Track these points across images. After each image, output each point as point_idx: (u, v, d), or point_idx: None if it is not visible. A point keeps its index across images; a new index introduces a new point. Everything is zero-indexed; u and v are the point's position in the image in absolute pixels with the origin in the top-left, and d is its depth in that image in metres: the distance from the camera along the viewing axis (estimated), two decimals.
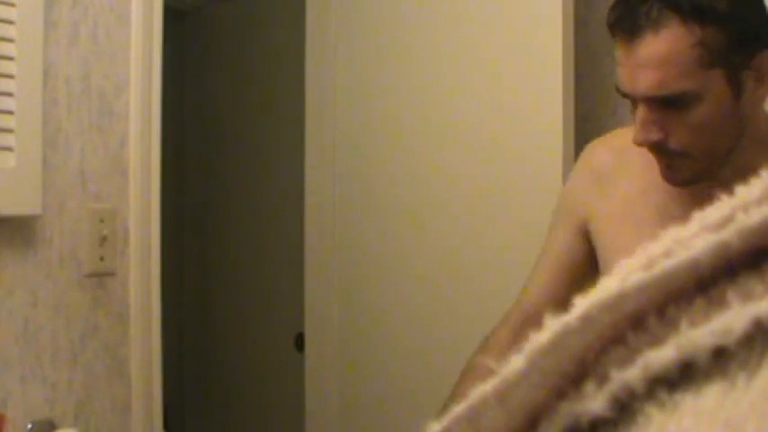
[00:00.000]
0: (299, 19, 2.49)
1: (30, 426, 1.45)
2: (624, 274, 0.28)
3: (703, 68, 1.04)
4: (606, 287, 0.27)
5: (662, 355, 0.25)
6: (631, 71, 1.07)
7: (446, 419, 0.28)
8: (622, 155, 1.27)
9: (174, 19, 2.92)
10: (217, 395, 3.16)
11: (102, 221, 1.64)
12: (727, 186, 1.08)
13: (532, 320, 1.34)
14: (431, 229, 2.18)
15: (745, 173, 1.14)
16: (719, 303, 0.25)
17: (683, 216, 1.09)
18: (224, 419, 3.10)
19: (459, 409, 0.27)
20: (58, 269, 1.57)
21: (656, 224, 1.19)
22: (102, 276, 1.64)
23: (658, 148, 1.11)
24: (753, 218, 0.26)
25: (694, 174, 1.13)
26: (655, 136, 1.09)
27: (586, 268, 1.30)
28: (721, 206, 0.28)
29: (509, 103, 2.03)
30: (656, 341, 0.25)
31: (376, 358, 2.28)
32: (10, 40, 1.46)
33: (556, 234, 1.35)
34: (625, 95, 1.12)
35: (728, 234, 0.26)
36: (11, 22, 1.46)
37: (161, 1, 1.75)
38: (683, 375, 0.25)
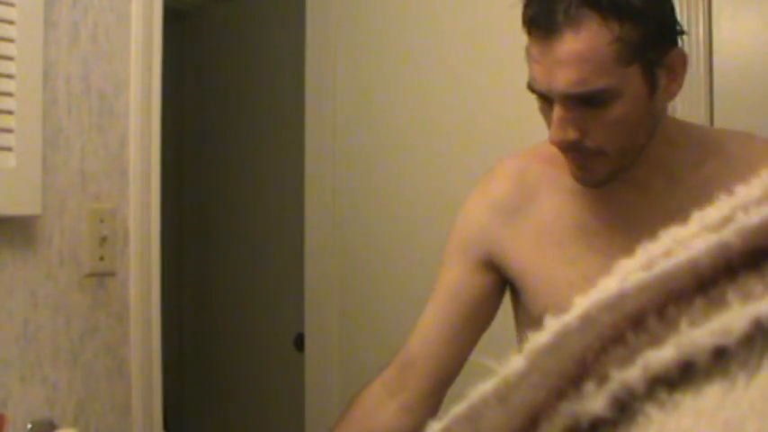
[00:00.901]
0: (299, 19, 2.49)
1: (30, 426, 1.45)
2: (624, 274, 0.28)
3: (622, 65, 1.03)
4: (606, 287, 0.27)
5: (662, 355, 0.25)
6: (549, 69, 1.06)
7: (446, 419, 0.28)
8: (524, 183, 1.25)
9: (174, 19, 2.92)
10: (217, 395, 3.16)
11: (102, 221, 1.64)
12: (641, 185, 1.07)
13: (409, 366, 1.32)
14: (431, 229, 2.18)
15: (658, 171, 1.14)
16: (719, 303, 0.25)
17: (601, 228, 1.09)
18: (224, 419, 3.11)
19: (459, 408, 0.27)
20: (58, 269, 1.57)
21: (578, 239, 1.18)
22: (102, 276, 1.64)
23: (574, 147, 1.09)
24: (753, 218, 0.26)
25: (609, 173, 1.12)
26: (572, 135, 1.07)
27: (481, 303, 1.27)
28: (721, 206, 0.28)
29: (509, 102, 2.03)
30: (656, 341, 0.25)
31: (376, 358, 2.28)
32: (10, 40, 1.46)
33: (447, 271, 1.31)
34: (540, 94, 1.10)
35: (728, 234, 0.26)
36: (11, 22, 1.46)
37: (161, 1, 1.75)
38: (683, 375, 0.25)
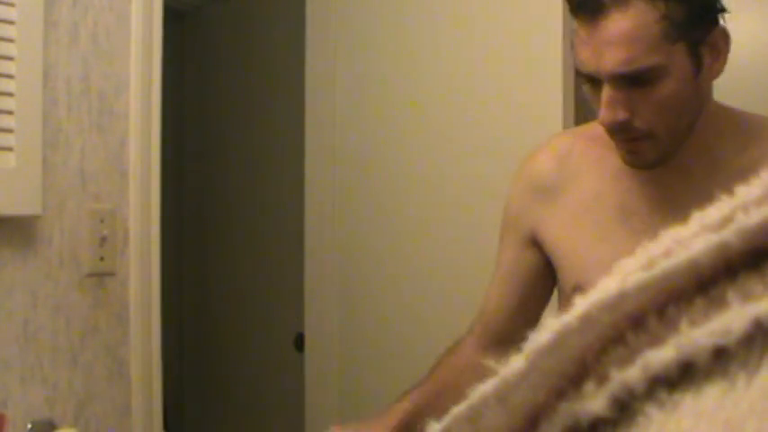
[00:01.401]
0: (299, 19, 2.49)
1: (30, 426, 1.45)
2: (624, 274, 0.28)
3: (668, 42, 1.04)
4: (606, 287, 0.27)
5: (662, 355, 0.25)
6: (597, 50, 1.06)
7: (446, 419, 0.28)
8: (565, 161, 1.27)
9: (173, 19, 2.92)
10: (217, 395, 3.16)
11: (102, 221, 1.64)
12: (683, 170, 1.07)
13: (491, 333, 1.37)
14: (431, 228, 2.18)
15: (702, 156, 1.13)
16: (719, 303, 0.25)
17: (641, 210, 1.09)
18: (224, 419, 3.10)
19: (459, 409, 0.27)
20: (58, 269, 1.57)
21: (616, 220, 1.20)
22: (102, 276, 1.64)
23: (623, 129, 1.10)
24: (753, 218, 0.26)
25: (658, 155, 1.13)
26: (621, 115, 1.08)
27: (537, 278, 1.32)
28: (721, 206, 0.28)
29: (509, 103, 2.03)
30: (656, 341, 0.25)
31: (376, 358, 2.28)
32: (10, 40, 1.46)
33: (504, 249, 1.37)
34: (588, 77, 1.10)
35: (728, 234, 0.26)
36: (11, 22, 1.46)
37: (161, 1, 1.75)
38: (683, 375, 0.25)
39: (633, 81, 1.06)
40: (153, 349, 1.73)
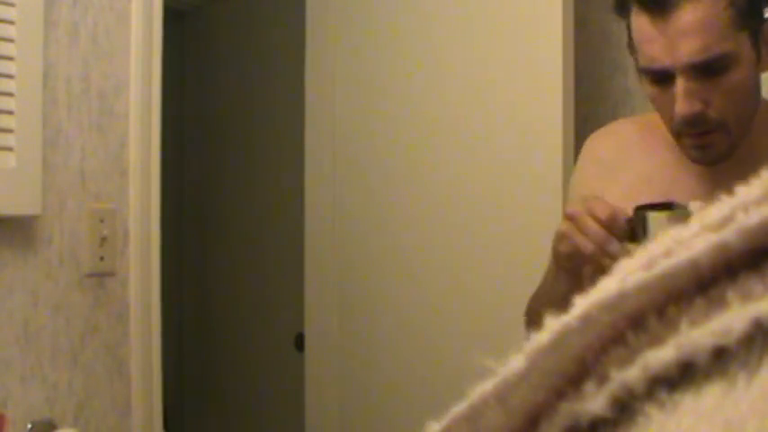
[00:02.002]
0: (299, 18, 2.49)
1: (30, 426, 1.45)
2: (624, 274, 0.28)
3: (736, 29, 1.07)
4: (606, 287, 0.27)
5: (662, 355, 0.25)
6: (670, 42, 1.08)
7: (445, 419, 0.28)
8: (623, 144, 1.30)
9: (174, 19, 2.92)
10: (217, 395, 3.16)
11: (102, 221, 1.64)
12: (734, 166, 1.07)
13: None
14: (430, 229, 2.18)
15: (751, 152, 1.13)
16: (719, 303, 0.25)
17: (688, 199, 1.07)
18: (224, 419, 3.10)
19: (458, 409, 0.27)
20: (58, 269, 1.57)
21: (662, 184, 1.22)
22: (102, 276, 1.64)
23: (698, 121, 1.11)
24: (753, 218, 0.26)
25: (728, 147, 1.14)
26: (697, 106, 1.09)
27: None
28: (721, 206, 0.28)
29: (509, 103, 2.03)
30: (656, 341, 0.25)
31: (375, 358, 2.28)
32: (10, 40, 1.46)
33: None
34: (657, 73, 1.11)
35: (728, 234, 0.26)
36: (11, 22, 1.46)
37: (161, 1, 1.75)
38: (683, 375, 0.25)
39: (707, 70, 1.08)
40: (153, 349, 1.73)
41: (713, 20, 1.06)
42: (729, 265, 0.26)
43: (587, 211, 1.07)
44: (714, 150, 1.15)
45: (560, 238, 1.12)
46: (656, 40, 1.09)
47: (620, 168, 1.28)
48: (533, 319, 1.33)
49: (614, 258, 1.06)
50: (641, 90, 2.13)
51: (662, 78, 1.11)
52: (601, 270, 1.12)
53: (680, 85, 1.09)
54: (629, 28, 1.15)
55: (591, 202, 1.08)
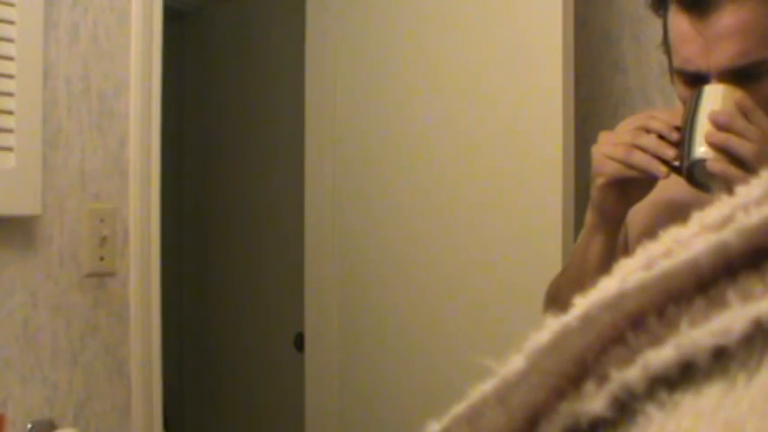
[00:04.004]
0: (299, 19, 2.49)
1: (30, 426, 1.45)
2: (624, 274, 0.28)
3: None
4: (606, 287, 0.27)
5: (662, 355, 0.25)
6: (709, 44, 1.05)
7: (445, 419, 0.28)
8: None
9: (174, 19, 2.92)
10: (217, 395, 3.16)
11: (102, 221, 1.64)
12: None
13: None
14: (430, 229, 2.18)
15: None
16: (719, 303, 0.25)
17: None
18: (224, 419, 3.10)
19: (458, 409, 0.27)
20: (58, 269, 1.57)
21: (690, 207, 1.18)
22: (102, 276, 1.64)
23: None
24: (753, 218, 0.26)
25: None
26: None
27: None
28: (721, 206, 0.28)
29: (509, 103, 2.03)
30: (656, 341, 0.25)
31: (376, 358, 2.28)
32: (10, 40, 1.46)
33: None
34: (691, 75, 1.09)
35: (728, 234, 0.26)
36: (11, 22, 1.46)
37: (161, 1, 1.75)
38: (683, 375, 0.25)
39: (743, 76, 1.05)
40: (153, 349, 1.73)
41: (754, 25, 1.03)
42: (729, 265, 0.26)
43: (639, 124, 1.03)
44: None
45: (601, 162, 1.08)
46: (694, 42, 1.06)
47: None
48: (557, 297, 1.28)
49: (670, 168, 1.03)
50: (641, 90, 2.14)
51: (696, 81, 1.08)
52: (648, 188, 1.09)
53: None
54: (665, 26, 1.12)
55: (641, 116, 1.05)
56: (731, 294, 0.25)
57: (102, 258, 1.64)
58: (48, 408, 1.53)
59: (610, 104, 2.19)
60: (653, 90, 2.14)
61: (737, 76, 1.05)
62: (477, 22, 2.10)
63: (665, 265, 0.27)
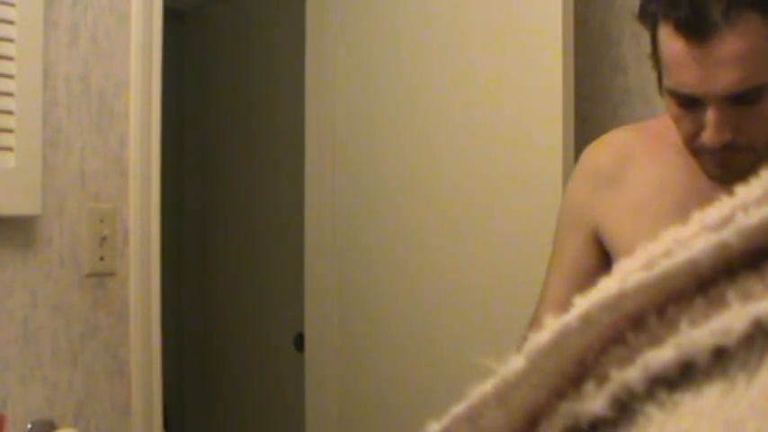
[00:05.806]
0: (299, 19, 2.49)
1: (30, 426, 1.45)
2: (624, 274, 0.28)
3: None
4: (606, 287, 0.27)
5: (662, 355, 0.25)
6: (707, 70, 1.04)
7: (446, 419, 0.28)
8: (625, 155, 1.25)
9: (173, 19, 2.92)
10: (217, 395, 3.16)
11: (102, 221, 1.64)
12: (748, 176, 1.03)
13: None
14: (430, 228, 2.18)
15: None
16: (719, 303, 0.25)
17: (699, 208, 1.07)
18: (224, 419, 3.10)
19: (458, 409, 0.27)
20: (58, 269, 1.57)
21: (675, 217, 1.18)
22: (102, 276, 1.64)
23: (725, 147, 1.08)
24: (753, 218, 0.26)
25: (750, 168, 1.11)
26: (727, 135, 1.07)
27: (602, 274, 1.28)
28: (721, 206, 0.28)
29: (509, 103, 2.03)
30: (656, 341, 0.25)
31: (376, 358, 2.28)
32: (10, 40, 1.46)
33: (565, 243, 1.31)
34: (685, 98, 1.08)
35: (728, 234, 0.26)
36: (11, 22, 1.46)
37: (161, 1, 1.75)
38: (683, 375, 0.25)
39: (740, 100, 1.05)
40: (153, 349, 1.73)
41: (754, 51, 1.02)
42: (729, 265, 0.26)
43: None
44: (736, 172, 1.10)
45: None
46: (690, 67, 1.05)
47: (624, 179, 1.24)
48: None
49: None
50: (641, 90, 2.14)
51: (690, 102, 1.08)
52: None
53: (712, 114, 1.06)
54: (654, 39, 1.11)
55: None
56: (731, 294, 0.25)
57: (101, 258, 1.64)
58: (48, 408, 1.53)
59: (610, 104, 2.19)
60: (653, 90, 2.12)
61: (734, 100, 1.05)
62: (477, 23, 2.09)
63: (664, 264, 0.27)
